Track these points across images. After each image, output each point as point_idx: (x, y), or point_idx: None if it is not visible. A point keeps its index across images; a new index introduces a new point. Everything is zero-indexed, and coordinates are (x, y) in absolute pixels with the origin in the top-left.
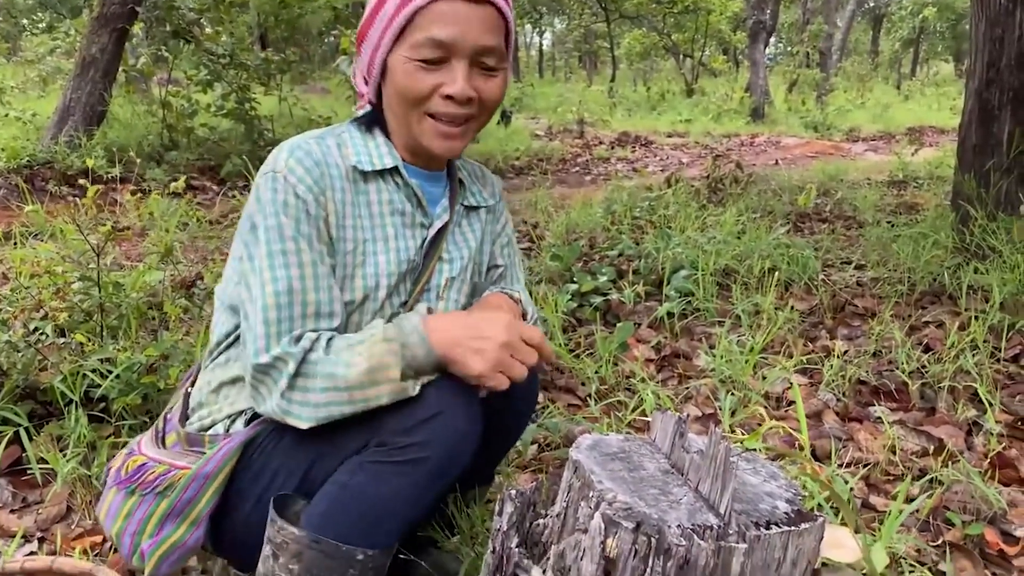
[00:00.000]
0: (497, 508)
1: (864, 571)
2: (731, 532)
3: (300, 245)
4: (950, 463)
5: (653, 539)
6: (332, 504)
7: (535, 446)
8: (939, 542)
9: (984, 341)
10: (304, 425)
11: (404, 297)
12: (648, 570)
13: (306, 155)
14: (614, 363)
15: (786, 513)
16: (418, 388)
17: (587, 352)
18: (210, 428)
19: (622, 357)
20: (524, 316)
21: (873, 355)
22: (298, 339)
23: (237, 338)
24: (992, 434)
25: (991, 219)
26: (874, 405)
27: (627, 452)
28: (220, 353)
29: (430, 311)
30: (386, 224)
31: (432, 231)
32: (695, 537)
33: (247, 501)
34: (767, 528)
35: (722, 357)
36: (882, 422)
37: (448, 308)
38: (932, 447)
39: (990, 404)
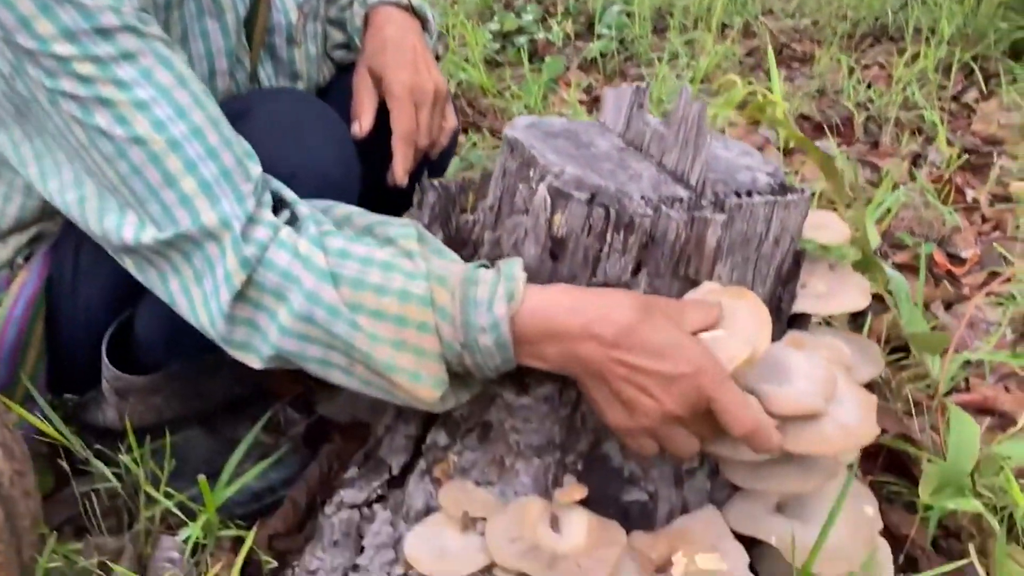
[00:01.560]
0: (416, 200)
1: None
2: (704, 204)
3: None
4: (901, 188)
5: (612, 211)
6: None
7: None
8: (888, 264)
9: (935, 71)
10: (258, 364)
11: (246, 70)
12: (606, 248)
13: None
14: (544, 97)
15: (768, 184)
16: (458, 401)
17: (513, 94)
18: None
19: (552, 99)
20: (424, 24)
21: (817, 93)
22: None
23: None
24: (937, 165)
25: None
26: (818, 140)
27: (573, 131)
28: None
29: (463, 212)
30: None
31: None
32: (663, 207)
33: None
34: (749, 197)
35: (659, 97)
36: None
37: (310, 53)
38: (877, 177)
39: (940, 124)
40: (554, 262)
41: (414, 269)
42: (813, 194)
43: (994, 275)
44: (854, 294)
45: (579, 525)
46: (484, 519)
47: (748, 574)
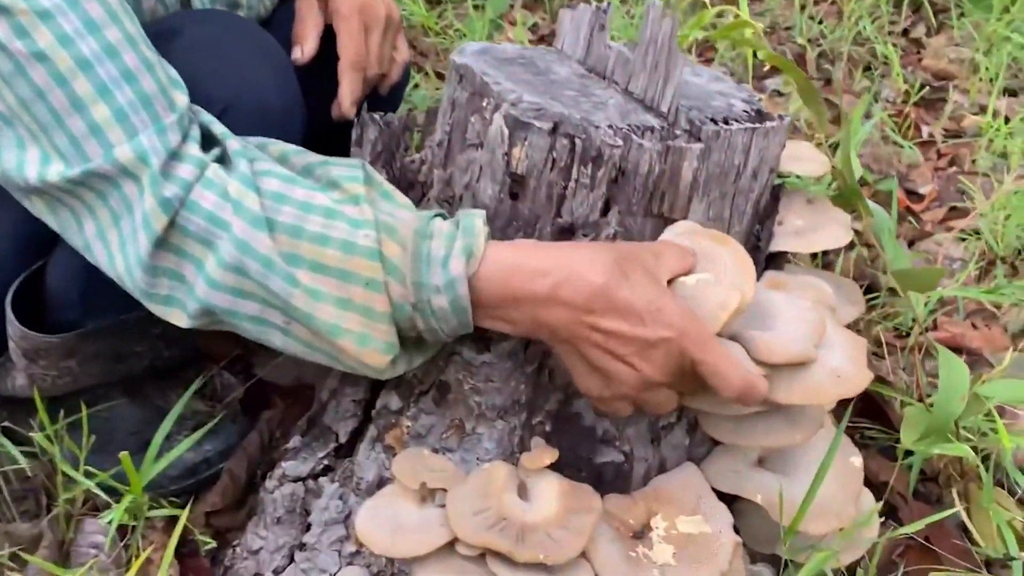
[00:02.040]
0: (354, 136)
1: (834, 184)
2: (678, 132)
3: None
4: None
5: (578, 142)
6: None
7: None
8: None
9: (886, 3)
10: (184, 322)
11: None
12: (571, 184)
13: None
14: (488, 37)
15: (745, 111)
16: (410, 366)
17: (457, 31)
18: None
19: (497, 38)
20: None
21: (768, 29)
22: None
23: None
24: (891, 101)
25: None
26: (769, 78)
27: (529, 58)
28: None
29: (408, 151)
30: None
31: None
32: (634, 137)
33: None
34: (726, 125)
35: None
36: (780, 95)
37: None
38: (832, 115)
39: (894, 58)
40: (514, 202)
41: (360, 216)
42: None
43: (955, 211)
44: (835, 230)
45: (549, 492)
46: (444, 490)
47: (734, 536)
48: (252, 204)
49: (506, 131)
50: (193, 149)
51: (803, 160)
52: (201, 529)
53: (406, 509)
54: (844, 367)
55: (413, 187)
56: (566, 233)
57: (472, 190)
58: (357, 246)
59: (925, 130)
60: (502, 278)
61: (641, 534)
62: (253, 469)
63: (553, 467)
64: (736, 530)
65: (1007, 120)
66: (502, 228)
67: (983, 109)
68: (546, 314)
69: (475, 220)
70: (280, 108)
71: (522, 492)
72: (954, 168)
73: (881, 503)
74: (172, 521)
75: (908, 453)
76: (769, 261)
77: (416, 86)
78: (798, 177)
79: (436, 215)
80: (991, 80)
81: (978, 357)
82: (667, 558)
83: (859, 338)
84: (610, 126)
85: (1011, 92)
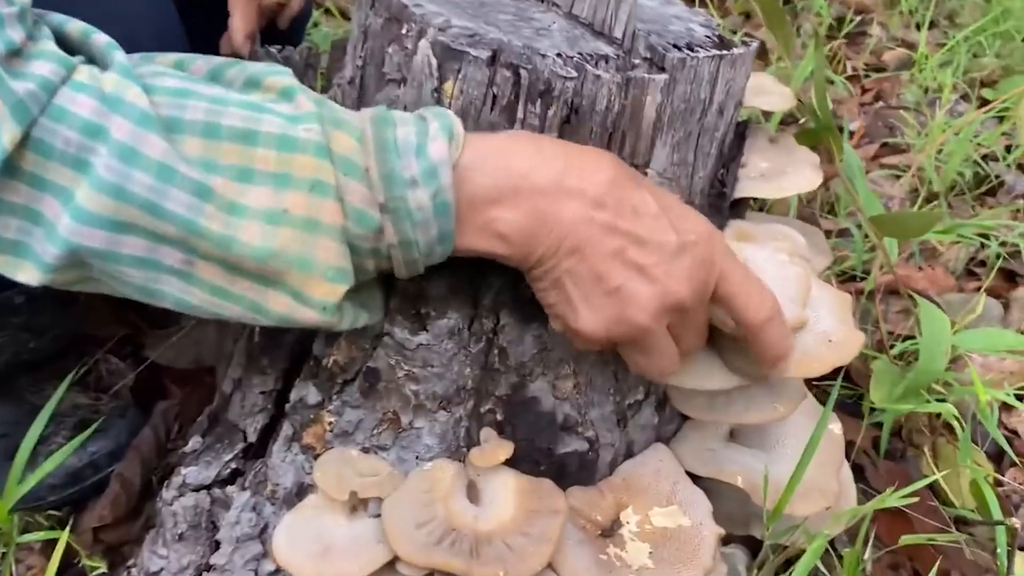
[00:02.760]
0: None
1: (803, 120)
2: (638, 62)
3: None
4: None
5: (523, 73)
6: None
7: None
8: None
9: None
10: (34, 278)
11: None
12: (516, 127)
13: None
14: None
15: (707, 38)
16: (355, 323)
17: None
18: None
19: None
20: None
21: None
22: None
23: None
24: (811, 34)
25: None
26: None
27: None
28: None
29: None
30: None
31: None
32: (588, 67)
33: None
34: (692, 52)
35: None
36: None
37: None
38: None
39: None
40: None
41: (296, 111)
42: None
43: (886, 146)
44: (805, 172)
45: (505, 493)
46: (379, 498)
47: (715, 528)
48: (135, 99)
49: (434, 62)
50: (48, 46)
51: (766, 93)
52: (88, 549)
53: (333, 524)
54: (836, 330)
55: None
56: None
57: None
58: (298, 141)
59: (848, 64)
60: (495, 163)
61: (611, 531)
62: (148, 472)
63: (508, 463)
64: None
65: (926, 58)
66: None
67: (904, 43)
68: (552, 208)
69: (444, 109)
70: (152, 39)
71: (472, 495)
72: (880, 103)
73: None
74: (52, 541)
75: (872, 409)
76: (732, 208)
77: (316, 24)
78: (763, 115)
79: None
80: (910, 13)
81: (925, 298)
82: (643, 559)
83: (844, 294)
84: (559, 55)
85: (931, 24)
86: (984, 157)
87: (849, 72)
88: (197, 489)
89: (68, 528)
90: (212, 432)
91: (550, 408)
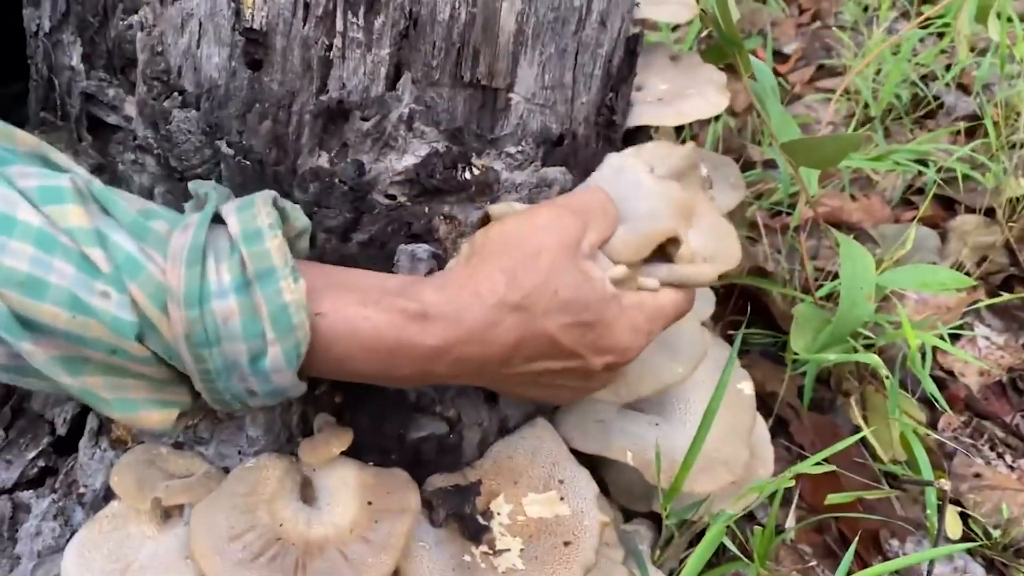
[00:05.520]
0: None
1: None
2: None
3: None
4: None
5: None
6: None
7: None
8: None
9: None
10: None
11: None
12: (339, 42)
13: None
14: None
15: None
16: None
17: None
18: None
19: None
20: None
21: None
22: None
23: None
24: None
25: None
26: None
27: None
28: None
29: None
30: None
31: None
32: None
33: None
34: None
35: None
36: None
37: None
38: None
39: None
40: (255, 73)
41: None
42: None
43: (822, 69)
44: (710, 93)
45: (345, 490)
46: (189, 504)
47: (599, 515)
48: None
49: None
50: None
51: (663, 2)
52: None
53: (139, 536)
54: (709, 245)
55: (134, 64)
56: (336, 117)
57: (193, 59)
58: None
59: None
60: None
61: (479, 525)
62: None
63: (350, 452)
64: (605, 488)
65: None
66: (240, 114)
67: None
68: (440, 370)
69: (266, 239)
70: None
71: (307, 494)
72: (817, 23)
73: (771, 420)
74: None
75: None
76: (627, 139)
77: None
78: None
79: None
80: None
81: (859, 231)
82: (512, 559)
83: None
84: None
85: None
86: (923, 78)
87: None
88: None
89: None
90: (15, 426)
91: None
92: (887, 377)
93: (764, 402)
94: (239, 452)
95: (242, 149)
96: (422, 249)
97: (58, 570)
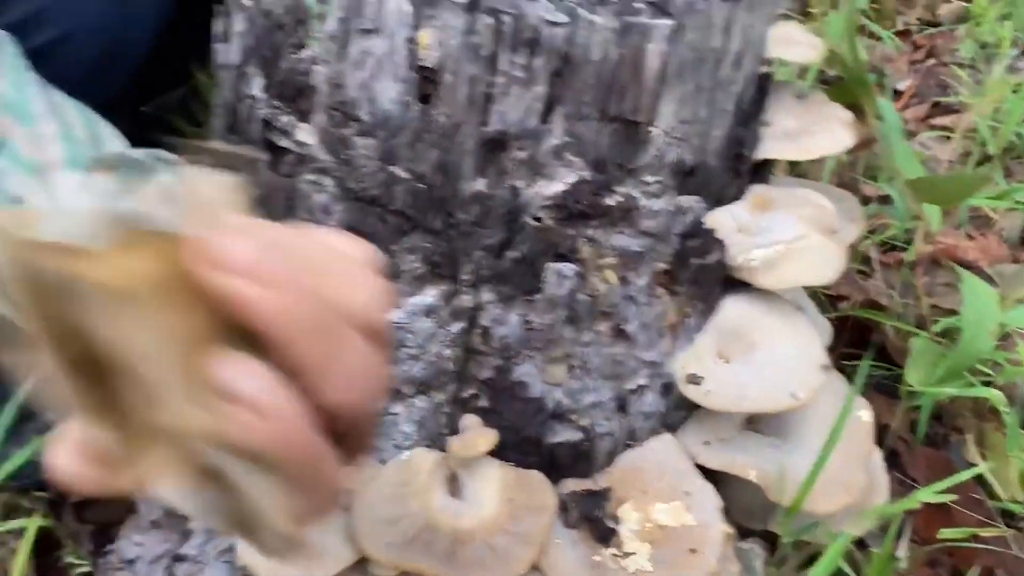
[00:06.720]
0: (221, 29)
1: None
2: (640, 5)
3: None
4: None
5: (506, 19)
6: None
7: None
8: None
9: None
10: None
11: None
12: (500, 80)
13: None
14: None
15: None
16: None
17: None
18: None
19: None
20: None
21: None
22: None
23: None
24: None
25: None
26: None
27: None
28: None
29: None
30: None
31: None
32: (581, 12)
33: None
34: None
35: None
36: None
37: None
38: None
39: None
40: (425, 106)
41: None
42: None
43: (937, 107)
44: (834, 131)
45: (489, 486)
46: (348, 490)
47: (723, 527)
48: None
49: (407, 8)
50: None
51: (792, 43)
52: (73, 526)
53: None
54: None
55: (304, 95)
56: (496, 146)
57: (369, 92)
58: None
59: (899, 19)
60: None
61: (608, 530)
62: None
63: (493, 453)
64: (724, 508)
65: (984, 11)
66: (410, 143)
67: None
68: None
69: None
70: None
71: (454, 488)
72: (932, 60)
73: (884, 452)
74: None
75: (912, 391)
76: (754, 172)
77: None
78: (783, 64)
79: None
80: None
81: (975, 269)
82: (642, 562)
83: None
84: None
85: None
86: None
87: (900, 27)
88: None
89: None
90: None
91: (540, 393)
92: (1007, 413)
93: (877, 435)
94: (393, 446)
95: (414, 174)
96: (567, 268)
97: (226, 543)
